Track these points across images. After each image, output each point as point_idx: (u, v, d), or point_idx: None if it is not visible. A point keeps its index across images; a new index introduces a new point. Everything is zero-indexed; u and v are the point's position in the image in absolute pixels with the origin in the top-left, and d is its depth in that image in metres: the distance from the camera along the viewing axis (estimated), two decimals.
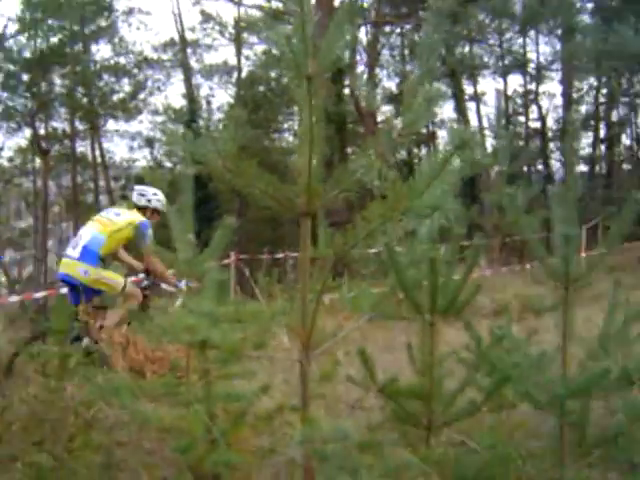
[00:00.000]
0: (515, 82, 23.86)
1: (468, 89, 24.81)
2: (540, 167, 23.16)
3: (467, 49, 22.80)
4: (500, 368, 2.46)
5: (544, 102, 24.80)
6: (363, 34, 21.58)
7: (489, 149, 19.73)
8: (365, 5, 20.66)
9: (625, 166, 27.51)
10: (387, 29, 24.17)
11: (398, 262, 2.37)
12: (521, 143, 23.06)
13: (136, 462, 3.38)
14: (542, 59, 23.17)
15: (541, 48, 23.68)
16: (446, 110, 31.19)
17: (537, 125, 24.02)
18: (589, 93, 24.68)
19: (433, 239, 2.46)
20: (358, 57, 22.04)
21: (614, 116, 25.20)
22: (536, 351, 2.76)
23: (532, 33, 22.37)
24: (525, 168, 20.76)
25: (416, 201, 1.92)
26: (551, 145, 24.11)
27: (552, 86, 32.59)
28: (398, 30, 24.76)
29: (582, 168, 24.75)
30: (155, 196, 6.35)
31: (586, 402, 2.66)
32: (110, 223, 6.17)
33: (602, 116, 24.37)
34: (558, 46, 21.23)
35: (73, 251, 6.10)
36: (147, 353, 5.42)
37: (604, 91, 24.35)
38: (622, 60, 17.66)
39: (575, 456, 2.77)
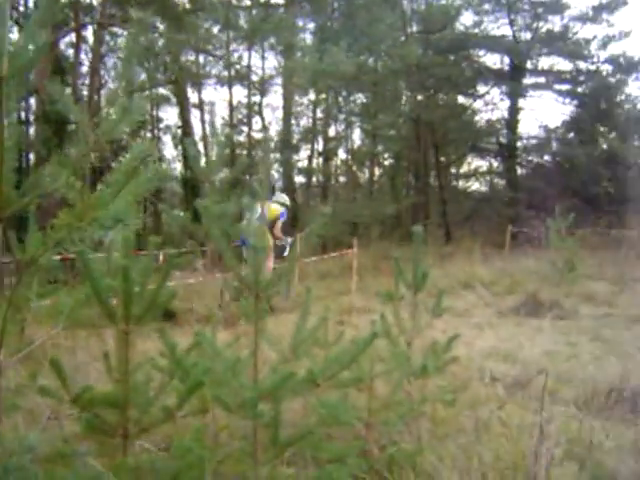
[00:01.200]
0: (241, 93, 24.65)
1: (194, 97, 24.98)
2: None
3: (193, 57, 22.90)
4: (193, 374, 2.52)
5: (268, 114, 25.69)
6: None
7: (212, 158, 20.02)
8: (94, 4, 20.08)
9: (342, 179, 29.34)
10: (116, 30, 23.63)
11: (92, 270, 2.34)
12: (244, 152, 23.66)
13: None
14: (268, 72, 23.96)
15: (267, 62, 24.42)
16: (171, 116, 31.11)
17: (260, 136, 24.73)
18: (308, 108, 25.92)
19: (128, 248, 2.45)
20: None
21: (332, 131, 26.70)
22: (233, 357, 2.87)
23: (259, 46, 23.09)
24: (247, 177, 21.27)
25: (102, 212, 1.92)
26: (273, 156, 24.94)
27: (275, 99, 33.72)
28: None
29: (301, 179, 26.06)
30: None
31: (277, 404, 2.79)
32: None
33: (320, 130, 25.66)
34: (280, 61, 22.11)
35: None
36: None
37: (322, 107, 25.72)
38: (335, 79, 18.94)
39: (270, 455, 2.90)
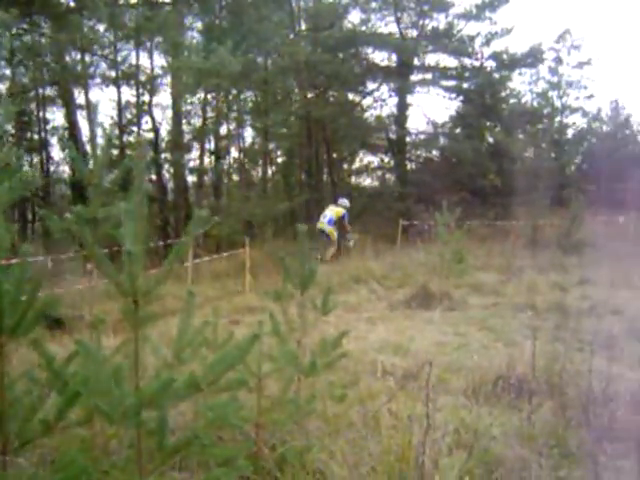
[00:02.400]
0: (129, 92, 24.09)
1: (81, 97, 24.27)
2: (153, 177, 23.40)
3: (78, 57, 22.23)
4: (72, 384, 2.45)
5: (158, 114, 25.22)
6: None
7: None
8: None
9: (235, 177, 29.14)
10: None
11: None
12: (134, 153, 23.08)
13: None
14: (156, 71, 23.49)
15: (156, 61, 23.88)
16: (58, 118, 30.20)
17: (150, 136, 24.24)
18: (198, 107, 25.60)
19: None
20: None
21: (223, 130, 26.45)
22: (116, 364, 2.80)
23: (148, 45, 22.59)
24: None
25: None
26: (164, 156, 24.49)
27: (165, 98, 33.16)
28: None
29: (192, 178, 25.75)
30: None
31: (162, 410, 2.74)
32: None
33: (211, 129, 25.38)
34: (167, 60, 21.69)
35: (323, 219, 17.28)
36: None
37: (213, 106, 25.46)
38: (222, 78, 18.81)
39: (156, 462, 2.85)
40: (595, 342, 7.13)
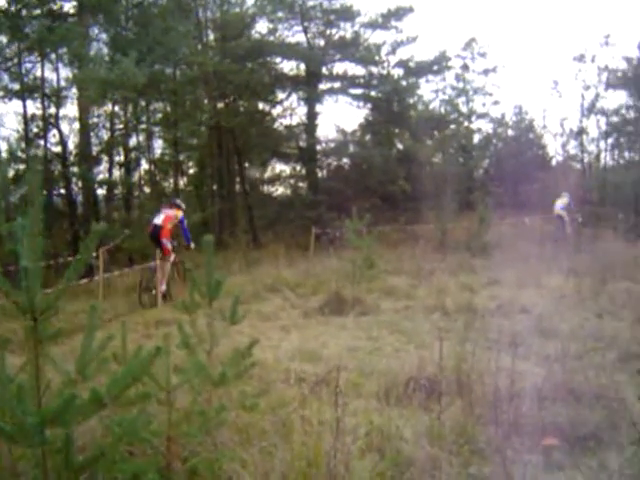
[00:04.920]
0: (35, 105, 23.36)
1: None
2: (62, 191, 22.85)
3: None
4: None
5: (65, 126, 24.61)
6: None
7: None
8: None
9: (147, 189, 28.70)
10: None
11: None
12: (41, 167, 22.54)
13: None
14: (62, 83, 22.93)
15: (61, 72, 23.18)
16: None
17: (58, 149, 23.64)
18: (106, 119, 25.13)
19: None
20: None
21: (132, 142, 26.03)
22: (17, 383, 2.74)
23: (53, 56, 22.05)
24: (46, 192, 20.38)
25: None
26: (73, 169, 23.93)
27: (72, 110, 32.40)
28: None
29: (102, 191, 25.20)
30: None
31: (67, 427, 2.71)
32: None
33: (120, 141, 24.96)
34: (73, 72, 21.21)
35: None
36: None
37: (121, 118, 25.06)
38: (127, 90, 18.58)
39: None
40: (502, 341, 7.37)
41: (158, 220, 13.11)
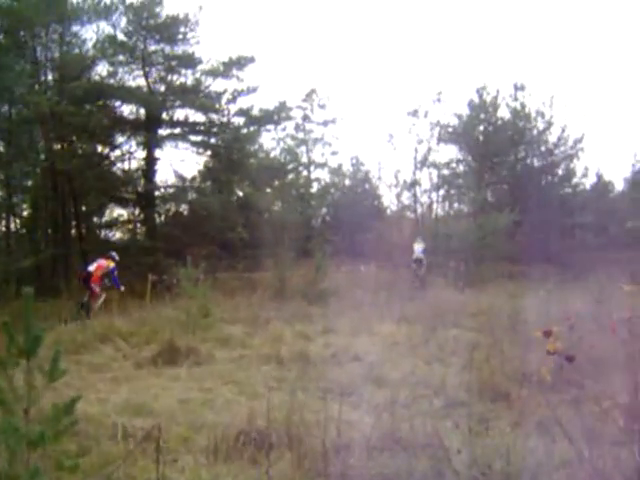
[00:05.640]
0: None
1: None
2: None
3: None
4: None
5: None
6: None
7: None
8: None
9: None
10: None
11: None
12: None
13: None
14: None
15: None
16: None
17: None
18: None
19: None
20: None
21: None
22: None
23: None
24: None
25: None
26: None
27: None
28: None
29: None
30: None
31: None
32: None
33: None
34: None
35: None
36: None
37: None
38: None
39: None
40: (335, 390, 7.51)
41: (91, 267, 16.50)
